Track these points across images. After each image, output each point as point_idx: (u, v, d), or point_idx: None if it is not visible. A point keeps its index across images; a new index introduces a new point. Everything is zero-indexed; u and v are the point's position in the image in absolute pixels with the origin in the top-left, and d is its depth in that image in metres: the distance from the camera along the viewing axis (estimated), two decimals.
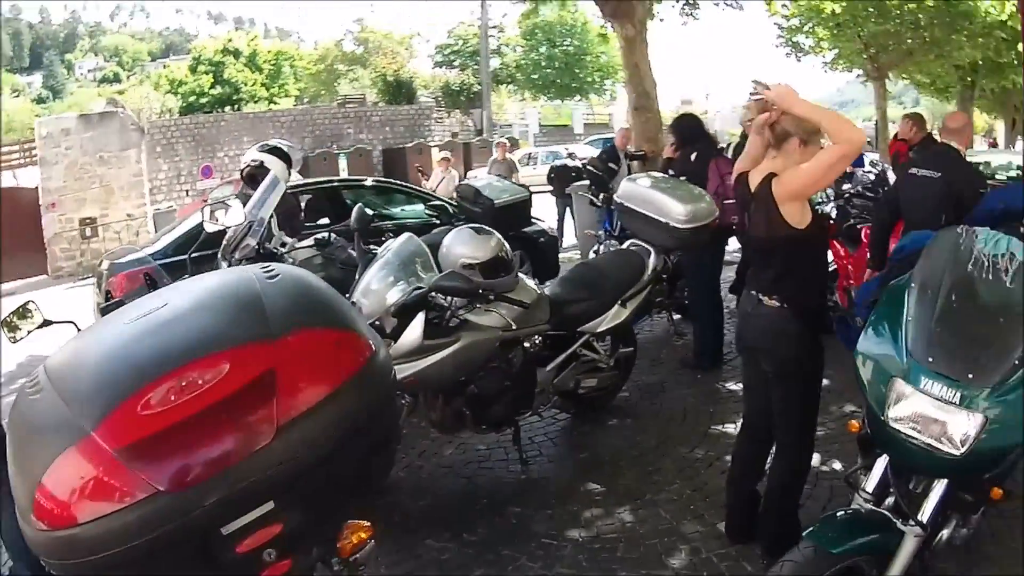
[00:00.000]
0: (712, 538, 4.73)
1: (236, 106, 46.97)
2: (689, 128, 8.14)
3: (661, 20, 17.34)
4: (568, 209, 14.21)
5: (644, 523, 4.91)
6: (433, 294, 4.82)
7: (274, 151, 6.03)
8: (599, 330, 5.91)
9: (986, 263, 3.40)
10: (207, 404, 2.01)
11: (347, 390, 2.17)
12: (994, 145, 40.57)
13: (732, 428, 6.00)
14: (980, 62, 31.75)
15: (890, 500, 3.40)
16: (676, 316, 8.69)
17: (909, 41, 29.09)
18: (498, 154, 18.07)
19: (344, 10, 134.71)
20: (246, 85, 50.63)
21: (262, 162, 6.01)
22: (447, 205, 10.52)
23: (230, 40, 54.35)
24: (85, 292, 12.53)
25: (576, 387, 6.01)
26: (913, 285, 3.39)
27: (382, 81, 45.37)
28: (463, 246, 5.27)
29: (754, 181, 4.08)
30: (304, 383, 2.13)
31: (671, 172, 7.75)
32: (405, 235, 5.41)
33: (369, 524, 2.56)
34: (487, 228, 5.47)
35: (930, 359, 3.13)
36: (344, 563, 2.49)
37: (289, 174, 6.02)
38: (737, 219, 4.44)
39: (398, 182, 13.25)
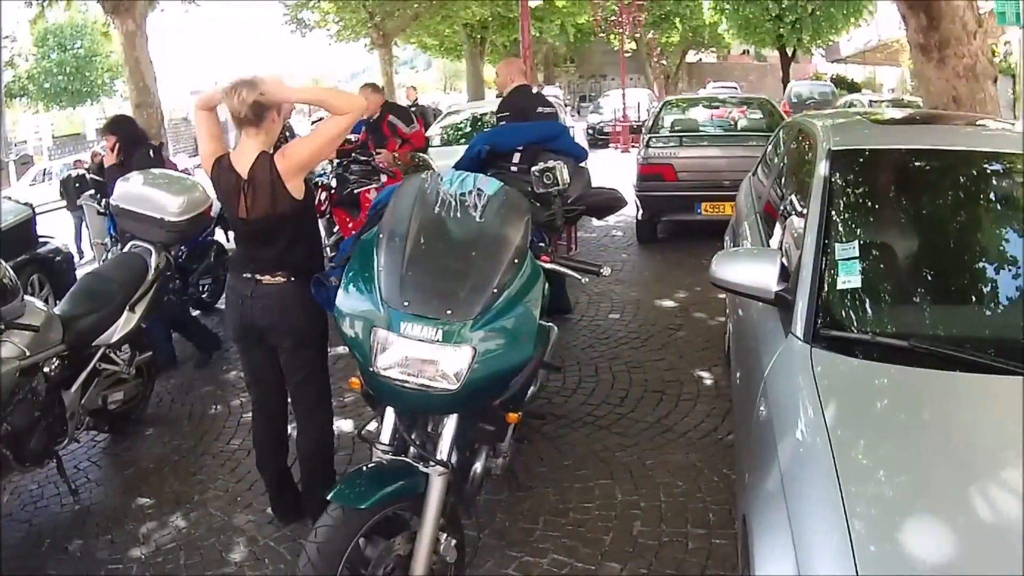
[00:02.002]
0: (265, 524, 4.74)
1: None
2: (134, 128, 7.97)
3: (162, 11, 16.74)
4: (83, 222, 13.48)
5: (198, 525, 4.81)
6: None
7: None
8: (113, 340, 5.61)
9: (453, 202, 3.51)
10: None
11: None
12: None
13: None
14: (490, 18, 33.55)
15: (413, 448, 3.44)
16: (196, 312, 8.51)
17: (416, 5, 30.24)
18: None
19: None
20: None
21: None
22: None
23: None
24: None
25: (105, 403, 5.73)
26: (381, 236, 3.43)
27: None
28: None
29: (242, 163, 4.00)
30: None
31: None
32: None
33: None
34: None
35: (405, 303, 3.18)
36: None
37: None
38: (225, 206, 4.29)
39: None
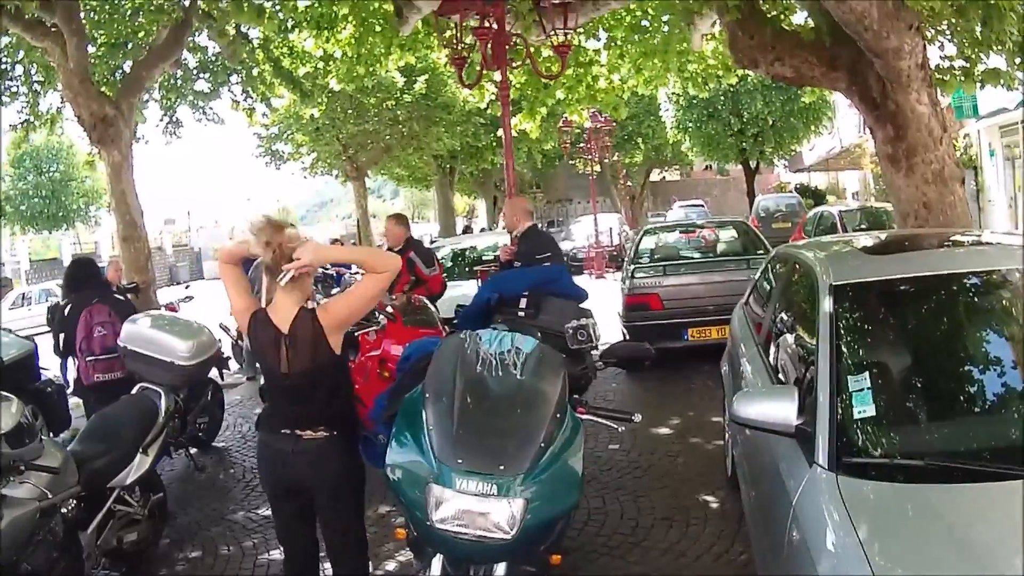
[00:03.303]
0: None
1: None
2: (78, 275, 8.24)
3: (146, 143, 16.84)
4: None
5: None
6: None
7: None
8: (128, 482, 5.67)
9: (494, 361, 3.75)
10: None
11: None
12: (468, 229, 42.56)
13: (278, 554, 5.79)
14: (459, 148, 34.24)
15: None
16: (193, 451, 8.47)
17: (388, 138, 30.88)
18: None
19: None
20: None
21: None
22: None
23: None
24: None
25: (120, 544, 5.73)
26: (427, 395, 3.63)
27: None
28: None
29: (282, 319, 4.05)
30: None
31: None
32: None
33: None
34: (5, 394, 5.04)
35: (459, 460, 3.36)
36: None
37: None
38: (261, 361, 4.33)
39: None
